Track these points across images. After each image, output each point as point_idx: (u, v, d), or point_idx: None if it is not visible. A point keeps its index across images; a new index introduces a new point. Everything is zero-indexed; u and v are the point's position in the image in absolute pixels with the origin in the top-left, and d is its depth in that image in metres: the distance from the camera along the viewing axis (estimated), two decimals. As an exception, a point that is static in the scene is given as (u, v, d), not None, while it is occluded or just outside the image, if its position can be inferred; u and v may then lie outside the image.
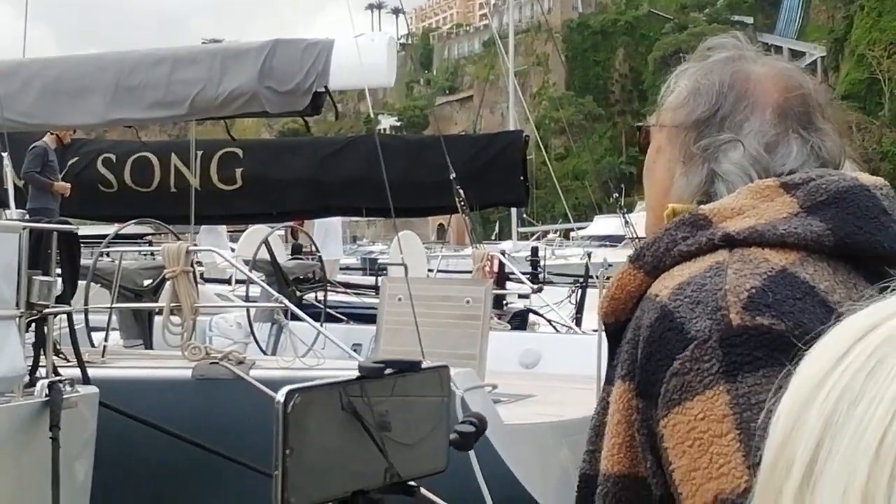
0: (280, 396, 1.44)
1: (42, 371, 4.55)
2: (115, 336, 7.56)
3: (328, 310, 9.30)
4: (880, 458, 0.52)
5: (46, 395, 4.36)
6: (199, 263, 8.77)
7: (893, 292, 0.62)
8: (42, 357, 4.56)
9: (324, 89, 7.41)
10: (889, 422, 0.53)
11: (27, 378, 4.42)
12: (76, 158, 11.15)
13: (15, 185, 7.27)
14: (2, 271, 4.18)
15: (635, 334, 1.33)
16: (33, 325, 4.49)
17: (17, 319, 4.28)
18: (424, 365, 1.70)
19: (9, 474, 4.38)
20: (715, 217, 1.36)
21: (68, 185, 10.59)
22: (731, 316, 1.25)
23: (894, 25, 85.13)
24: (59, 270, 4.74)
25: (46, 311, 4.40)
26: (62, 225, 4.72)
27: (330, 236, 14.94)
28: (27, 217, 6.25)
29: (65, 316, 4.98)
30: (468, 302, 7.07)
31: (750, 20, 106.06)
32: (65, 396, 4.39)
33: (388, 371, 1.61)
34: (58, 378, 4.48)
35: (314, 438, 1.47)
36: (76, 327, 6.33)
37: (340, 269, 18.40)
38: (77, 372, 5.04)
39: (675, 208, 1.44)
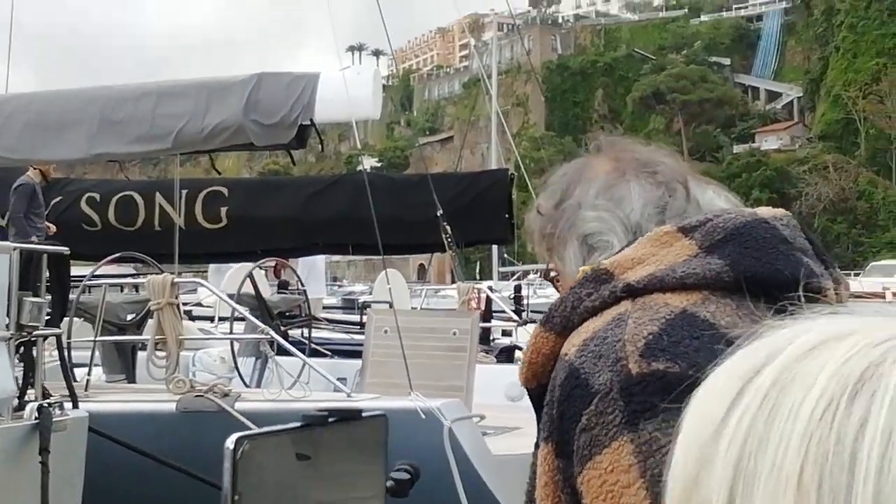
0: (230, 443, 1.48)
1: (31, 394, 4.48)
2: (97, 372, 7.49)
3: (313, 345, 9.25)
4: (802, 495, 0.54)
5: (36, 418, 4.30)
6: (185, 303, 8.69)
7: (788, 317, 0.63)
8: (31, 380, 4.49)
9: (309, 122, 7.39)
10: (801, 462, 0.54)
11: (16, 401, 4.35)
12: (60, 198, 11.08)
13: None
14: (-8, 293, 4.14)
15: (551, 395, 1.35)
16: (22, 347, 4.43)
17: (8, 341, 4.22)
18: (364, 414, 1.75)
19: (-2, 497, 4.31)
20: (616, 270, 1.39)
21: (52, 227, 10.53)
22: (630, 365, 1.28)
23: (869, 66, 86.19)
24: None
25: (36, 332, 4.35)
26: (53, 247, 4.68)
27: (313, 274, 14.89)
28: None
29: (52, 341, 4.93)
30: (455, 333, 7.04)
31: (727, 61, 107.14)
32: (54, 420, 4.32)
33: (331, 419, 1.65)
34: (50, 401, 4.41)
35: (262, 483, 1.51)
36: (55, 364, 6.27)
37: (324, 308, 18.35)
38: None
39: (584, 270, 1.45)
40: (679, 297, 1.35)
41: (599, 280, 1.40)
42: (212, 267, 13.69)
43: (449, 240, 9.85)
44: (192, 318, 10.83)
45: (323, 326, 11.46)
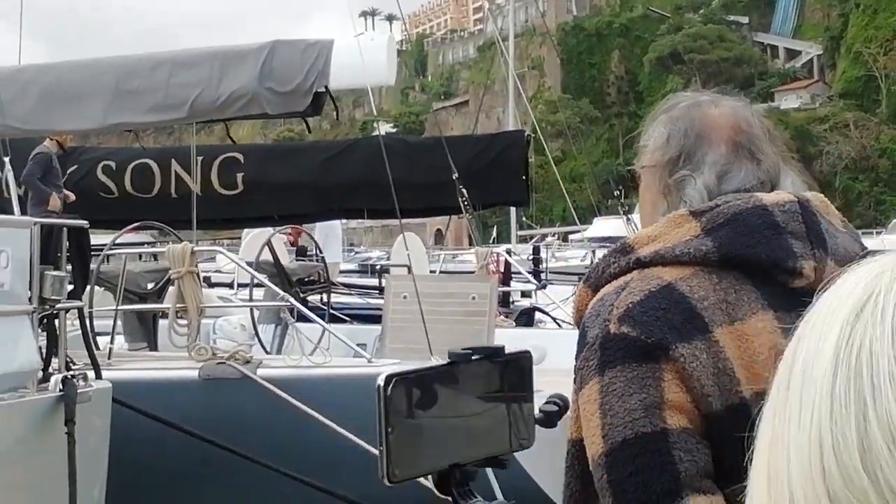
0: (380, 381, 1.58)
1: (55, 366, 4.51)
2: (119, 340, 7.54)
3: (331, 311, 9.28)
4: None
5: (61, 390, 4.33)
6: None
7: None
8: (55, 353, 4.52)
9: (324, 89, 7.37)
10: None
11: (40, 373, 4.38)
12: (75, 166, 11.14)
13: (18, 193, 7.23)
14: (14, 267, 4.16)
15: (580, 336, 1.77)
16: (45, 320, 4.46)
17: (31, 315, 4.25)
18: (507, 351, 1.89)
19: (25, 469, 4.35)
20: (636, 244, 1.76)
21: (71, 195, 10.56)
22: (610, 326, 1.68)
23: (890, 22, 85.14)
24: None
25: (59, 306, 4.37)
26: (73, 220, 4.69)
27: (331, 239, 14.91)
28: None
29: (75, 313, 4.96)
30: (474, 298, 7.05)
31: (745, 20, 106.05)
32: (79, 391, 4.35)
33: (474, 357, 1.80)
34: (71, 373, 4.44)
35: (412, 419, 1.66)
36: (77, 332, 6.30)
37: (340, 273, 18.36)
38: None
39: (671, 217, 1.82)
40: (672, 272, 1.70)
41: (623, 251, 1.77)
42: (245, 232, 13.74)
43: (465, 203, 9.84)
44: (211, 286, 10.86)
45: (341, 292, 11.48)
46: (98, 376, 4.77)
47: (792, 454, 0.57)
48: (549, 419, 2.11)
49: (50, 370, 4.45)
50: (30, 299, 4.27)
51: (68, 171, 11.05)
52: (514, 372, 1.93)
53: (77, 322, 5.13)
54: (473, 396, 1.82)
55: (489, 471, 1.83)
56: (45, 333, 4.54)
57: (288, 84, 7.39)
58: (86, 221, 4.84)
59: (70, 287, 4.69)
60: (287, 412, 5.46)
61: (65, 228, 4.42)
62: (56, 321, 4.51)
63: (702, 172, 1.83)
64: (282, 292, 6.90)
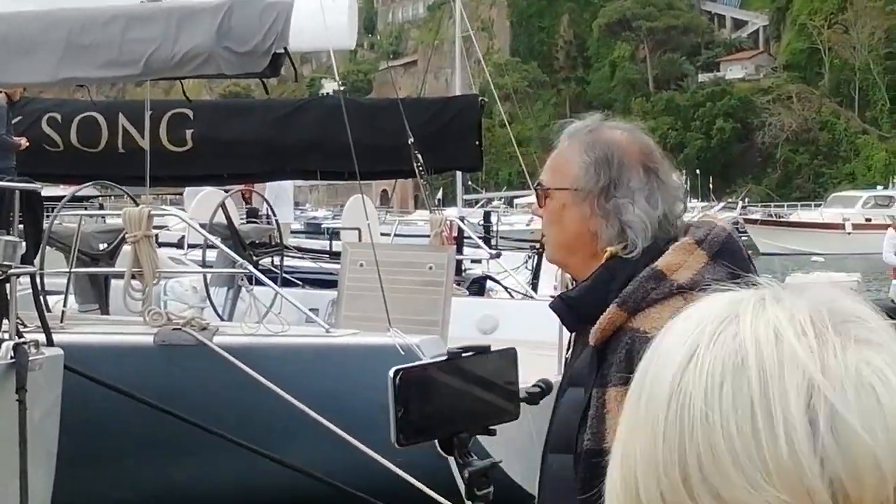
0: (391, 373, 2.05)
1: (6, 332, 4.39)
2: (70, 301, 7.40)
3: (283, 275, 9.19)
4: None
5: (12, 358, 4.22)
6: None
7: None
8: (6, 318, 4.40)
9: (283, 50, 7.24)
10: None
11: (-14, 341, 4.27)
12: (20, 118, 10.89)
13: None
14: (-35, 232, 4.02)
15: (629, 355, 1.92)
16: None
17: (-20, 281, 4.12)
18: (493, 349, 2.30)
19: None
20: (667, 271, 1.98)
21: (24, 142, 10.37)
22: None
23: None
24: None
25: (11, 271, 4.24)
26: (24, 184, 4.54)
27: (281, 200, 14.73)
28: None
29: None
30: (431, 268, 7.01)
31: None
32: (30, 359, 4.24)
33: (467, 354, 2.22)
34: (23, 340, 4.33)
35: (417, 401, 2.09)
36: (28, 291, 6.16)
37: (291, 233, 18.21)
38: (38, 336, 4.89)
39: (611, 250, 2.10)
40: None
41: (657, 278, 1.98)
42: (187, 191, 13.53)
43: (420, 167, 9.78)
44: (160, 245, 10.70)
45: (294, 256, 11.38)
46: (50, 343, 4.65)
47: (638, 468, 0.72)
48: (533, 398, 2.60)
49: (0, 336, 4.33)
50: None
51: (12, 122, 10.80)
52: (501, 362, 2.33)
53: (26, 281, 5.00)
54: (468, 382, 2.21)
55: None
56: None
57: (246, 44, 7.25)
58: (39, 184, 4.70)
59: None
60: (243, 381, 5.39)
61: (17, 191, 4.28)
62: (6, 286, 4.37)
63: (633, 199, 2.10)
64: (238, 258, 6.81)
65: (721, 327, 0.73)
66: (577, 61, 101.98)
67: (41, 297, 4.83)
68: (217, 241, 7.68)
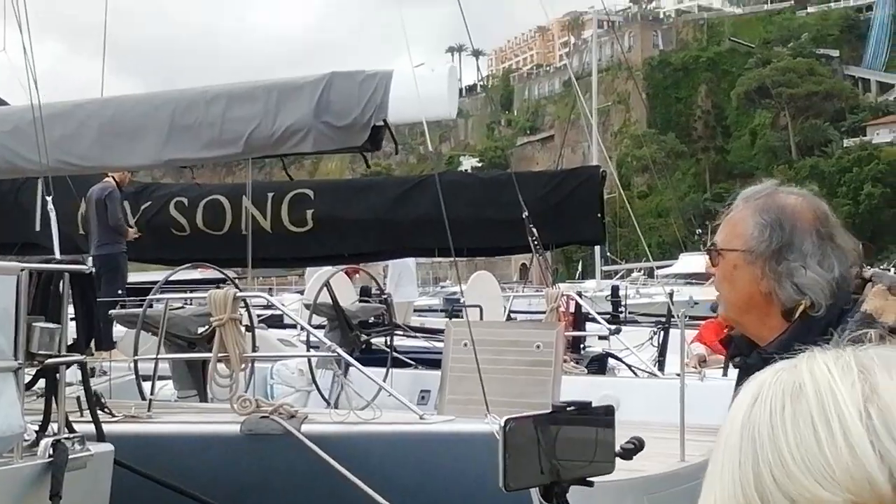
0: (502, 422, 2.33)
1: (54, 427, 4.07)
2: (170, 387, 7.22)
3: (395, 354, 8.89)
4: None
5: (50, 456, 3.90)
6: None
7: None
8: (54, 412, 4.09)
9: (382, 123, 7.00)
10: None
11: (33, 435, 3.96)
12: (149, 203, 11.13)
13: (60, 230, 6.98)
14: (-2, 318, 3.74)
15: None
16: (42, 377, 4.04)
17: (15, 373, 3.83)
18: (594, 405, 2.55)
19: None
20: (875, 314, 2.08)
21: (136, 232, 10.63)
22: None
23: None
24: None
25: (50, 361, 3.95)
26: (73, 265, 4.28)
27: (405, 278, 14.57)
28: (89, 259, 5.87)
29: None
30: (538, 347, 6.57)
31: (836, 53, 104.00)
32: (73, 456, 3.91)
33: (570, 409, 2.49)
34: (68, 436, 4.01)
35: (523, 449, 2.31)
36: (127, 378, 5.98)
37: (419, 311, 17.97)
38: (112, 427, 4.64)
39: (804, 303, 2.16)
40: None
41: (866, 322, 2.04)
42: (308, 270, 13.52)
43: (535, 242, 9.43)
44: (270, 326, 10.58)
45: (407, 335, 11.10)
46: (100, 438, 4.31)
47: (717, 488, 0.81)
48: (627, 454, 2.84)
49: (49, 431, 4.02)
50: (16, 354, 3.84)
51: (142, 207, 11.03)
52: (600, 419, 2.58)
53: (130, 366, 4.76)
54: (568, 435, 2.44)
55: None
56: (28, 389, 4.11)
57: (345, 118, 7.03)
58: (88, 266, 4.46)
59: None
60: (330, 471, 5.04)
61: (66, 274, 4.02)
62: (54, 377, 4.06)
63: (805, 263, 2.16)
64: (329, 342, 6.48)
65: (779, 374, 0.83)
66: (715, 130, 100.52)
67: (91, 388, 4.54)
68: (323, 320, 7.41)
